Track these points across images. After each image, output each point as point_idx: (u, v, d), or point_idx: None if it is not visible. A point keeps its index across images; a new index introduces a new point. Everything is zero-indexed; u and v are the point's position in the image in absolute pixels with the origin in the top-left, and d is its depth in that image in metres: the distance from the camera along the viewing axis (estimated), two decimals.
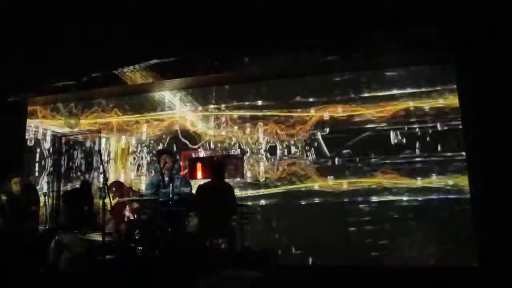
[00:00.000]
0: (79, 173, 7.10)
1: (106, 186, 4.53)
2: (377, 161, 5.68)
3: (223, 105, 6.44)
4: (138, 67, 5.87)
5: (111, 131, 6.96)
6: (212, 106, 6.50)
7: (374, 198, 5.64)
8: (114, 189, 5.74)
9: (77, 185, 6.59)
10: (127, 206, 5.36)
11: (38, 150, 7.32)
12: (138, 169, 6.73)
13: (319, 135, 5.98)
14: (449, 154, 5.41)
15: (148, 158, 6.72)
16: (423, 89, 5.64)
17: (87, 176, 6.99)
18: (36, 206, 5.38)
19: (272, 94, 6.24)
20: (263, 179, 6.07)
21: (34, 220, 5.46)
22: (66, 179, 7.18)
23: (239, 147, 6.23)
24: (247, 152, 6.16)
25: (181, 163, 6.41)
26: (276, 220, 5.99)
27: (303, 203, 5.88)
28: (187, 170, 6.43)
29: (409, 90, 5.70)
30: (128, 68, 5.91)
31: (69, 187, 7.04)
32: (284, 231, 5.88)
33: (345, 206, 5.73)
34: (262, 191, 6.09)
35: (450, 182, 5.35)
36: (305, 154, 5.96)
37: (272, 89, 6.26)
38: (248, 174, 6.16)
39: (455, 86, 5.35)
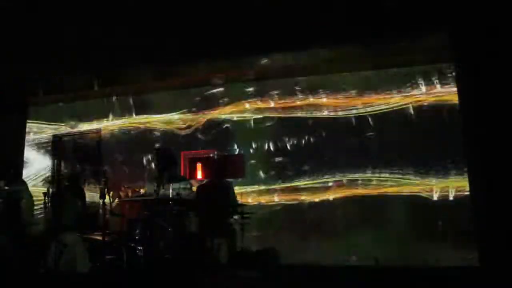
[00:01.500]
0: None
1: (106, 186, 4.53)
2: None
3: None
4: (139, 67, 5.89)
5: None
6: None
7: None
8: (113, 189, 5.73)
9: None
10: (127, 206, 5.35)
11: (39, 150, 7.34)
12: None
13: None
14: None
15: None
16: (422, 89, 5.66)
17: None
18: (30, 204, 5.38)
19: None
20: None
21: (29, 219, 5.46)
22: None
23: None
24: None
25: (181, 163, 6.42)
26: None
27: None
28: (187, 170, 6.44)
29: (409, 90, 5.72)
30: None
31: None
32: None
33: None
34: None
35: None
36: None
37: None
38: None
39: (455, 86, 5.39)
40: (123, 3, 5.25)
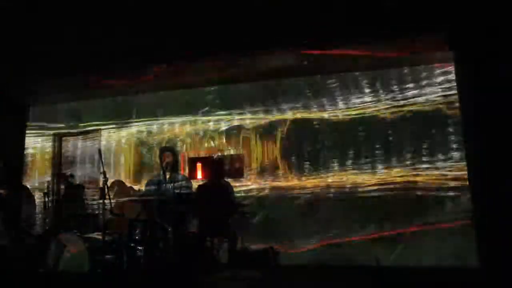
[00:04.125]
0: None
1: (106, 186, 4.54)
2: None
3: None
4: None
5: None
6: None
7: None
8: (115, 188, 5.73)
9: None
10: (127, 206, 5.35)
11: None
12: None
13: None
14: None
15: None
16: (422, 89, 5.67)
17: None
18: (31, 205, 5.37)
19: None
20: None
21: (30, 220, 5.46)
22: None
23: None
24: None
25: (181, 162, 6.41)
26: None
27: None
28: (187, 169, 6.44)
29: (409, 90, 5.72)
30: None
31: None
32: None
33: None
34: None
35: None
36: None
37: None
38: None
39: (455, 86, 5.39)
40: (123, 3, 5.24)
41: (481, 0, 4.56)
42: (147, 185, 5.44)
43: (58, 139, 7.37)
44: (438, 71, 5.65)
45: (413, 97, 5.73)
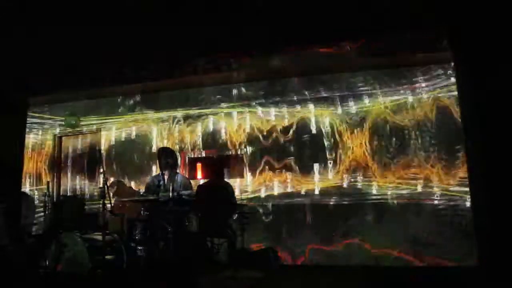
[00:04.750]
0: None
1: (106, 186, 4.53)
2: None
3: None
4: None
5: None
6: None
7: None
8: (115, 188, 5.73)
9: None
10: (127, 206, 5.35)
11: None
12: None
13: None
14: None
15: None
16: (422, 89, 5.67)
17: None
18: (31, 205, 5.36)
19: None
20: None
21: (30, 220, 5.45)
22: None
23: None
24: None
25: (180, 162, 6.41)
26: None
27: None
28: (186, 169, 6.44)
29: (409, 90, 5.72)
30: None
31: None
32: None
33: None
34: None
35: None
36: None
37: None
38: None
39: (455, 86, 5.39)
40: (123, 3, 5.24)
41: (481, 0, 4.56)
42: (146, 185, 5.44)
43: (58, 139, 7.37)
44: None
45: None
